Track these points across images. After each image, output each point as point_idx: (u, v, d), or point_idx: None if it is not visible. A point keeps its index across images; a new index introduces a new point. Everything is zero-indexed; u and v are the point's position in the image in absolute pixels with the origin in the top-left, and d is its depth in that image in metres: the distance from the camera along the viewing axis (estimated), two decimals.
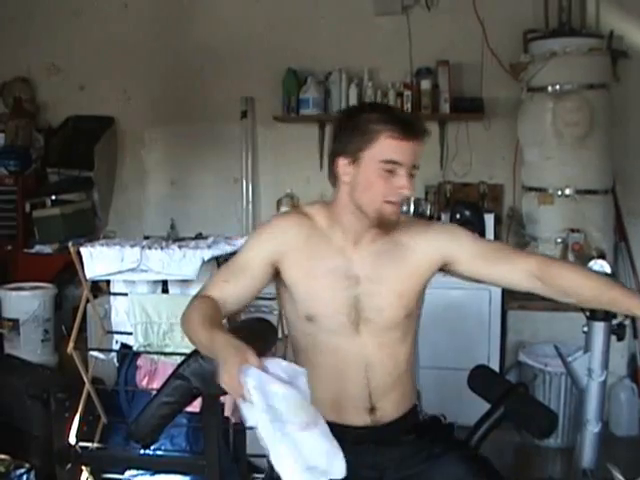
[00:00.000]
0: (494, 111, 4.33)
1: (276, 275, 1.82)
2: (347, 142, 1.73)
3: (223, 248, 2.66)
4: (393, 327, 1.81)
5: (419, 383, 2.01)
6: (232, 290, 1.77)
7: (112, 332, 2.83)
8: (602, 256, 3.64)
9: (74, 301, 4.25)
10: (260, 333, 1.99)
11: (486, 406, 1.98)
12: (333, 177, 1.80)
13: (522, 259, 1.82)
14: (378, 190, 1.72)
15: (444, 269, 1.86)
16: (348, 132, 1.73)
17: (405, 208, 2.50)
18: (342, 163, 1.75)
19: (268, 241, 1.81)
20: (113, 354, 2.89)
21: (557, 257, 3.82)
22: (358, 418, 1.81)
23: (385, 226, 1.77)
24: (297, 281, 1.78)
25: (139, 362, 2.83)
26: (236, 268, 1.80)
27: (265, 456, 2.52)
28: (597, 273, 1.83)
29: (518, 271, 1.79)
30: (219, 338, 1.56)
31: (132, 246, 2.65)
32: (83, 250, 2.67)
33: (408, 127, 1.70)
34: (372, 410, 1.80)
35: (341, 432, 1.78)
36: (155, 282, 2.73)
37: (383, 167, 1.70)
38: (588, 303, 1.83)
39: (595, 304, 1.82)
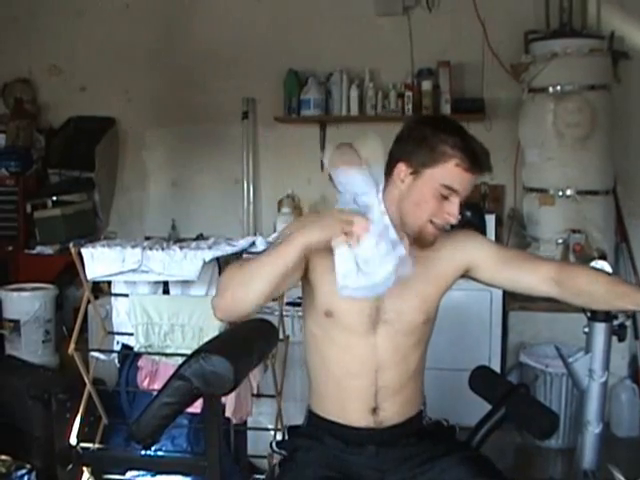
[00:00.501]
0: (495, 112, 4.34)
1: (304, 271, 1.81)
2: (415, 152, 1.73)
3: (224, 249, 2.66)
4: (410, 332, 1.82)
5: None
6: None
7: (113, 333, 2.83)
8: (603, 257, 3.64)
9: (75, 302, 4.26)
10: (261, 333, 2.00)
11: (487, 407, 1.98)
12: (386, 177, 1.79)
13: (541, 265, 1.86)
14: (428, 209, 1.73)
15: (465, 275, 1.88)
16: (418, 142, 1.73)
17: None
18: (403, 169, 1.74)
19: None
20: (114, 355, 2.89)
21: (559, 258, 3.84)
22: (361, 418, 1.81)
23: (421, 244, 1.78)
24: (322, 276, 1.77)
25: (140, 363, 2.83)
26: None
27: (265, 457, 2.53)
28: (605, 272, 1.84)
29: (538, 276, 1.82)
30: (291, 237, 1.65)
31: (133, 247, 2.65)
32: (84, 251, 2.67)
33: (478, 161, 1.72)
34: (375, 410, 1.80)
35: (343, 432, 1.81)
36: (156, 283, 2.73)
37: (441, 190, 1.71)
38: (599, 300, 1.81)
39: (606, 301, 1.80)
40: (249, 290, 1.65)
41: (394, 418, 1.82)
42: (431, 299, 1.84)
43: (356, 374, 1.80)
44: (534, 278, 1.82)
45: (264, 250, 1.70)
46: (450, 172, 1.70)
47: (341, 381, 1.81)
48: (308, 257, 1.76)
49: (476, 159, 1.71)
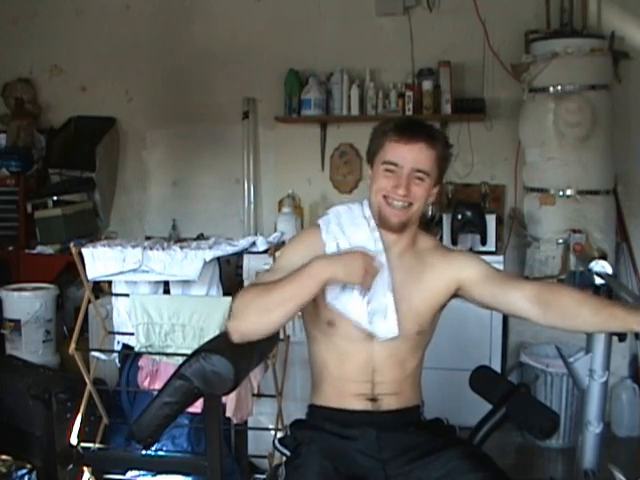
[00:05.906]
0: (496, 112, 4.33)
1: None
2: (368, 150, 1.94)
3: (224, 249, 2.66)
4: (405, 340, 1.88)
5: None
6: None
7: (114, 333, 2.84)
8: (603, 257, 3.64)
9: (76, 302, 4.26)
10: None
11: (488, 407, 1.98)
12: None
13: (525, 283, 1.92)
14: (378, 185, 1.87)
15: (458, 294, 1.93)
16: (370, 141, 1.93)
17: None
18: (369, 170, 1.94)
19: (306, 249, 1.88)
20: (115, 355, 2.90)
21: (559, 258, 3.84)
22: (359, 404, 1.88)
23: (388, 227, 1.88)
24: (325, 290, 1.83)
25: (141, 363, 2.84)
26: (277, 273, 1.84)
27: (266, 457, 2.53)
28: (597, 296, 1.84)
29: (521, 293, 1.83)
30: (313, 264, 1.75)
31: (134, 247, 2.65)
32: (85, 251, 2.67)
33: (408, 131, 1.86)
34: (373, 400, 1.88)
35: (342, 417, 1.88)
36: (157, 283, 2.73)
37: (385, 167, 1.86)
38: (585, 322, 1.77)
39: (593, 324, 1.77)
40: (271, 318, 1.75)
41: (391, 404, 1.89)
42: (424, 312, 1.91)
43: (354, 374, 1.88)
44: (518, 295, 1.83)
45: (282, 279, 1.76)
46: (389, 149, 1.85)
47: (340, 379, 1.90)
48: None
49: (407, 129, 1.86)
